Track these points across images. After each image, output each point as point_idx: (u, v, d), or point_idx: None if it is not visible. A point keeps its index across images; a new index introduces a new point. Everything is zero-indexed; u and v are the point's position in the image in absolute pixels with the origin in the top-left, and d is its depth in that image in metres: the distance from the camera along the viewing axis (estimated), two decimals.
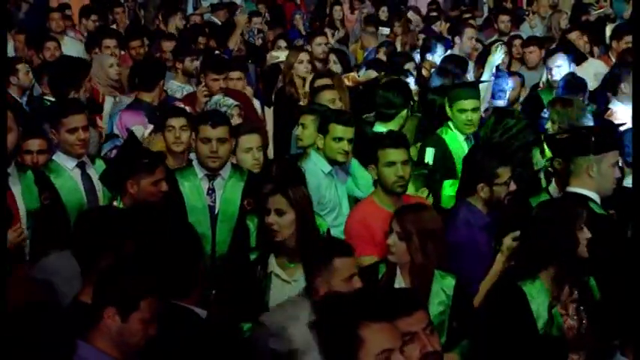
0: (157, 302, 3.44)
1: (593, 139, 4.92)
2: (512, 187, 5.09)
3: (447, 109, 6.38)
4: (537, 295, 4.16)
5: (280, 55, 9.77)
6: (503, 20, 11.60)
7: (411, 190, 5.48)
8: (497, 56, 7.01)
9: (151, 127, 6.53)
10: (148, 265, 3.65)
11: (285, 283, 4.54)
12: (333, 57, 9.24)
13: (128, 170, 5.01)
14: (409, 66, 8.55)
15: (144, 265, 3.61)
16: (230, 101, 6.84)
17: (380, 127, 6.35)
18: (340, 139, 5.68)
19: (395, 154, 5.10)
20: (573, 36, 9.64)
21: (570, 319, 4.19)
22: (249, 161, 5.76)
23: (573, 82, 7.45)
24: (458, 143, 6.30)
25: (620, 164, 5.34)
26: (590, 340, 4.18)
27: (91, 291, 3.74)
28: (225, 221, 5.38)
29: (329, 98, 6.78)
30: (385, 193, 5.12)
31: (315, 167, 5.73)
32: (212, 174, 5.45)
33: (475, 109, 6.36)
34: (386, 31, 11.54)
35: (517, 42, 10.13)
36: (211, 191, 5.43)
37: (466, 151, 5.87)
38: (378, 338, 2.76)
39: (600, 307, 4.27)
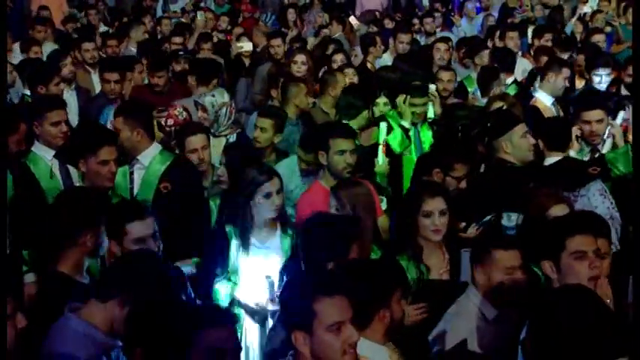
0: None
1: (491, 124, 5.19)
2: (463, 184, 5.14)
3: (400, 101, 6.47)
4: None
5: (244, 45, 9.80)
6: (428, 22, 11.86)
7: None
8: None
9: None
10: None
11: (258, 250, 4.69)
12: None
13: (77, 150, 4.92)
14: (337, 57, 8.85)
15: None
16: (225, 98, 6.75)
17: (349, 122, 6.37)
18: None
19: (345, 144, 5.13)
20: (512, 34, 9.71)
21: None
22: (194, 161, 5.67)
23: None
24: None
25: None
26: None
27: (68, 262, 3.81)
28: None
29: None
30: (333, 177, 5.12)
31: (293, 166, 5.72)
32: (132, 158, 5.31)
33: (424, 104, 6.52)
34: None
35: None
36: (131, 174, 5.32)
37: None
38: (329, 311, 2.77)
39: None
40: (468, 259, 4.03)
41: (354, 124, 6.26)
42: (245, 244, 4.64)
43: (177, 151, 5.77)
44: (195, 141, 5.74)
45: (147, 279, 3.33)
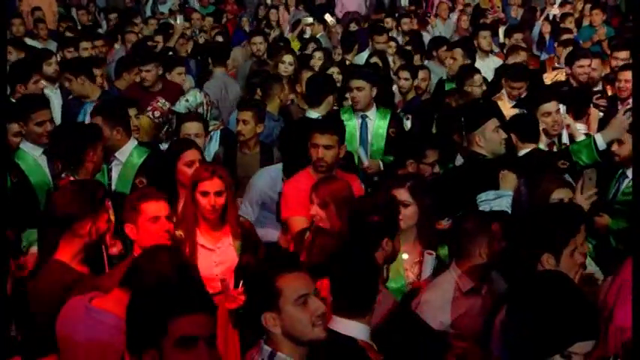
0: None
1: (465, 118, 5.22)
2: (436, 169, 5.19)
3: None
4: None
5: None
6: (406, 22, 11.87)
7: None
8: None
9: None
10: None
11: (210, 251, 4.56)
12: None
13: (89, 141, 4.91)
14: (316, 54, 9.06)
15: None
16: (199, 99, 6.77)
17: (311, 113, 6.39)
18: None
19: (318, 138, 5.01)
20: (485, 34, 9.69)
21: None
22: None
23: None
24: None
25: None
26: None
27: (67, 251, 3.81)
28: (120, 197, 5.12)
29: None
30: (314, 170, 5.06)
31: (275, 174, 5.56)
32: (110, 155, 5.32)
33: (359, 89, 6.32)
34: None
35: None
36: (109, 171, 5.36)
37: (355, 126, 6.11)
38: (293, 286, 2.77)
39: None
40: (431, 261, 4.14)
41: (321, 110, 6.30)
42: (192, 245, 4.48)
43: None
44: (189, 127, 5.80)
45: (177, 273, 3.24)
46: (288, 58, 8.37)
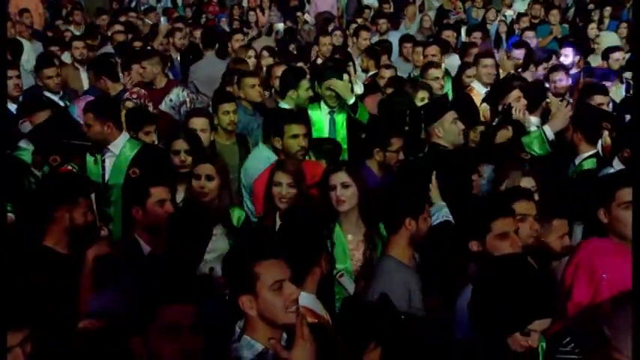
0: None
1: (425, 111, 5.36)
2: (401, 156, 5.25)
3: (317, 86, 6.32)
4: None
5: None
6: (381, 22, 11.77)
7: None
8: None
9: None
10: None
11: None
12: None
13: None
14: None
15: None
16: (182, 97, 6.82)
17: (283, 104, 6.40)
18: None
19: (298, 129, 5.17)
20: (448, 33, 9.94)
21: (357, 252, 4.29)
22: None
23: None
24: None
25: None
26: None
27: (51, 237, 3.90)
28: (113, 187, 5.32)
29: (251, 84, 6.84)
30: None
31: (261, 155, 5.53)
32: (103, 148, 5.38)
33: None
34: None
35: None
36: (103, 162, 5.38)
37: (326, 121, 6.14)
38: (270, 272, 2.76)
39: None
40: None
41: (286, 103, 6.32)
42: None
43: None
44: (195, 122, 5.81)
45: None
46: (250, 52, 8.74)
